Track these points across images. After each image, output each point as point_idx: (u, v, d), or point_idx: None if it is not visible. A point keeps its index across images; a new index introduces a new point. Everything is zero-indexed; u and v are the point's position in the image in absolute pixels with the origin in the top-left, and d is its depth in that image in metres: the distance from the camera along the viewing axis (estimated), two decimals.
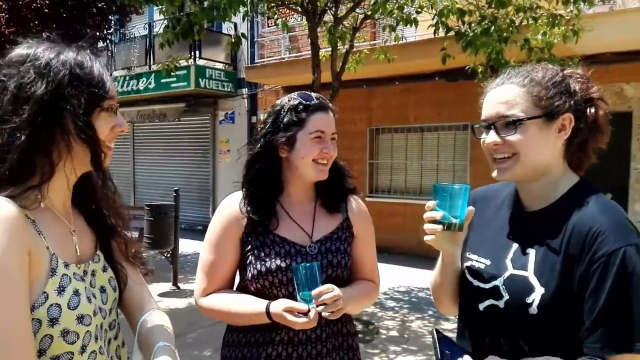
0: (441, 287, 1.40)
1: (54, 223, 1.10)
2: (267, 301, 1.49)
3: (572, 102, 1.20)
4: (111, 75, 1.13)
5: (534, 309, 1.14)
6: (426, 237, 1.30)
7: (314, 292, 1.39)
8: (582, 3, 4.69)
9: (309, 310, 1.39)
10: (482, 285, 1.26)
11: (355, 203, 1.70)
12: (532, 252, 1.20)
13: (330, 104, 1.62)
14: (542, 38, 4.98)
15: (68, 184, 1.12)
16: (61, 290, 1.04)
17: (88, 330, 1.07)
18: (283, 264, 1.52)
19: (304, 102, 1.57)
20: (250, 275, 1.56)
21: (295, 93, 1.62)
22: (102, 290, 1.18)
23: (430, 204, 1.27)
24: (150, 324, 1.22)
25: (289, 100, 1.60)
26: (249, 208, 1.59)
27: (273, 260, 1.53)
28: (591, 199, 1.18)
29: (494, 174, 1.26)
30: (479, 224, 1.35)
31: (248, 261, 1.57)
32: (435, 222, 1.25)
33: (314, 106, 1.57)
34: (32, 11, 7.61)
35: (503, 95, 1.22)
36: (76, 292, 1.07)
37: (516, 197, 1.31)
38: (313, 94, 1.62)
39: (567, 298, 1.12)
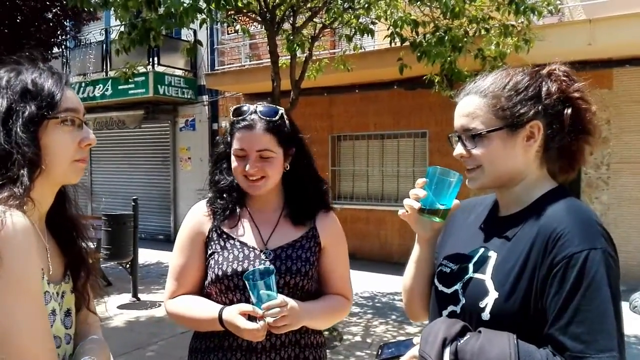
0: (411, 290, 1.38)
1: (36, 239, 1.07)
2: (221, 306, 1.50)
3: (540, 107, 1.16)
4: (66, 83, 1.14)
5: (486, 315, 1.11)
6: (400, 211, 1.28)
7: (264, 305, 1.39)
8: (532, 14, 4.88)
9: (262, 317, 1.39)
10: (445, 289, 1.24)
11: (326, 216, 1.70)
12: (493, 256, 1.16)
13: (265, 117, 1.57)
14: (495, 49, 5.17)
15: (43, 199, 1.10)
16: None
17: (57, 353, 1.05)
18: (239, 268, 1.54)
19: (233, 118, 1.60)
20: (209, 279, 1.58)
21: (238, 106, 1.62)
22: (68, 313, 1.16)
23: (420, 181, 1.25)
24: (83, 353, 1.18)
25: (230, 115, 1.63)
26: (212, 211, 1.63)
27: (230, 263, 1.55)
28: (561, 202, 1.14)
29: (467, 182, 1.25)
30: (456, 231, 1.33)
31: (209, 265, 1.59)
32: (417, 201, 1.23)
33: (238, 124, 1.58)
34: None
35: (466, 107, 1.21)
36: (53, 312, 1.07)
37: (495, 203, 1.30)
38: (252, 107, 1.59)
39: (521, 305, 1.08)
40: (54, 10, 8.07)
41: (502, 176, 1.19)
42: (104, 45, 11.09)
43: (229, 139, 1.63)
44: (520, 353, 1.01)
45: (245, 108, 1.60)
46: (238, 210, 1.63)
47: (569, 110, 1.16)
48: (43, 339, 0.99)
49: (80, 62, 11.48)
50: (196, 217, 1.65)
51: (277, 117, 1.59)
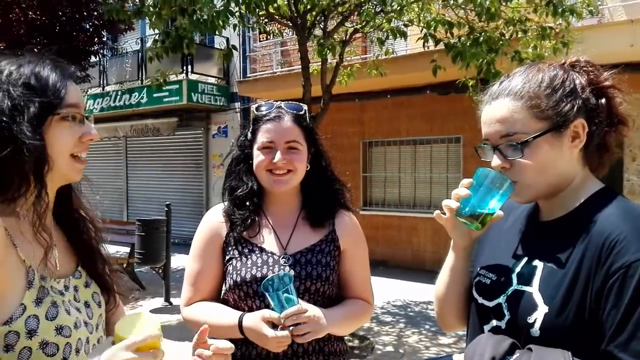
0: (445, 300, 1.28)
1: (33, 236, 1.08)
2: (240, 313, 1.46)
3: (580, 102, 1.06)
4: (70, 76, 1.10)
5: (535, 331, 1.02)
6: (436, 212, 1.19)
7: (282, 314, 1.35)
8: (570, 16, 4.72)
9: (285, 326, 1.36)
10: (486, 302, 1.14)
11: (345, 217, 1.66)
12: (540, 266, 1.07)
13: (292, 110, 1.59)
14: (533, 51, 5.01)
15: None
16: (39, 302, 1.04)
17: (68, 342, 1.05)
18: (258, 274, 1.50)
19: (257, 113, 1.60)
20: (228, 285, 1.55)
21: (260, 103, 1.63)
22: (87, 305, 1.17)
23: (466, 181, 1.14)
24: None
25: (252, 113, 1.62)
26: (229, 212, 1.59)
27: (249, 270, 1.51)
28: (612, 204, 1.04)
29: (512, 196, 1.14)
30: (494, 237, 1.23)
31: (227, 271, 1.56)
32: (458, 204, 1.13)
33: (265, 117, 1.57)
34: (24, 26, 7.60)
35: (499, 112, 1.09)
36: (54, 304, 1.06)
37: (535, 207, 1.19)
38: (276, 103, 1.61)
39: (574, 319, 0.99)
40: (91, 20, 8.30)
41: (552, 184, 1.09)
42: (140, 54, 11.36)
43: (249, 136, 1.61)
44: None
45: (268, 104, 1.61)
46: (256, 211, 1.59)
47: (604, 100, 1.08)
48: None
49: (118, 70, 11.82)
50: (212, 222, 1.62)
51: (303, 112, 1.61)
